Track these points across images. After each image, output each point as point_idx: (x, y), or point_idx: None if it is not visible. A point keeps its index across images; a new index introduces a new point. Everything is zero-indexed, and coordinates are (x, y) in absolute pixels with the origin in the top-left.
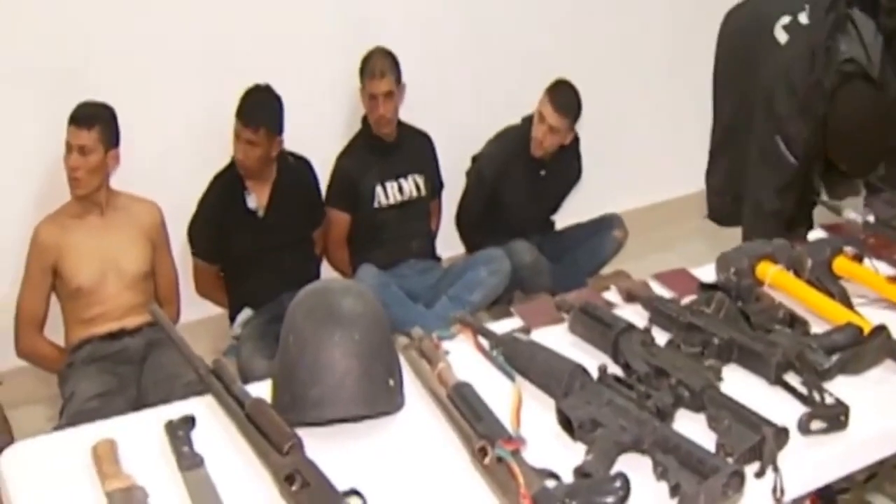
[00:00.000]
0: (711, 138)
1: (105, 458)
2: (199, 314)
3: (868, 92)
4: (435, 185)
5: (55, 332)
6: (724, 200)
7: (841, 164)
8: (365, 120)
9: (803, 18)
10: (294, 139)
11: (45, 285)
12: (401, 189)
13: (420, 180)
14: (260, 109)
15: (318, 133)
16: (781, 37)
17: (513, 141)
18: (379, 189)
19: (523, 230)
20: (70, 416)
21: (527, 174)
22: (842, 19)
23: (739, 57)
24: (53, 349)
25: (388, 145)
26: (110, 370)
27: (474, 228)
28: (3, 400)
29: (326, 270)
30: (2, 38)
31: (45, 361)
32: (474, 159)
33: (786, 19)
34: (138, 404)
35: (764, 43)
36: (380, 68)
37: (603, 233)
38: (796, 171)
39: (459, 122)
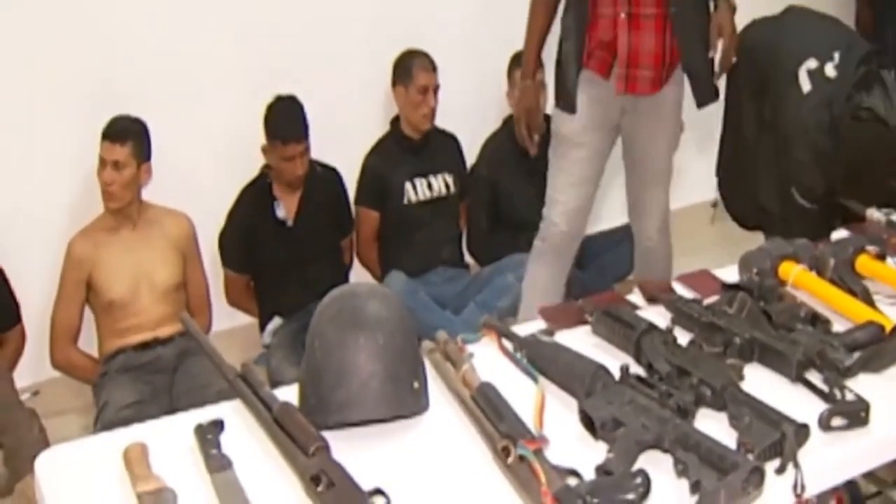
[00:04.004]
0: (723, 149)
1: (136, 461)
2: (229, 324)
3: (878, 129)
4: (464, 185)
5: (89, 343)
6: (743, 205)
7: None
8: (394, 122)
9: (830, 70)
10: (324, 147)
11: (79, 298)
12: (430, 186)
13: (449, 179)
14: (300, 120)
15: (347, 141)
16: (805, 85)
17: (499, 136)
18: (408, 185)
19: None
20: (104, 424)
21: (519, 161)
22: (872, 76)
23: (757, 82)
24: (87, 360)
25: (417, 144)
26: (143, 379)
27: (487, 244)
28: (40, 410)
29: (355, 278)
30: (37, 55)
31: (80, 372)
32: (471, 172)
33: (812, 63)
34: (170, 412)
35: (786, 82)
36: (429, 62)
37: (630, 240)
38: (814, 210)
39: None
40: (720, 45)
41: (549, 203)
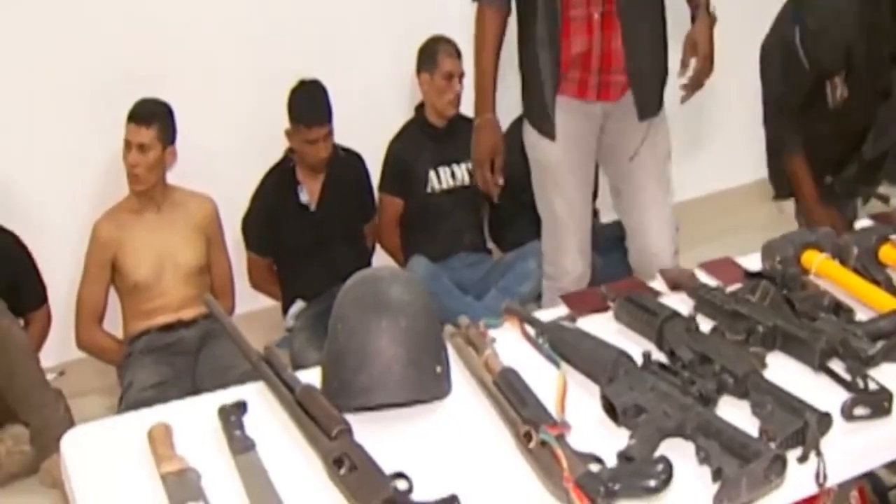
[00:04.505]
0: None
1: (160, 441)
2: (252, 307)
3: None
4: None
5: (114, 324)
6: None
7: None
8: (419, 108)
9: None
10: (347, 133)
11: (104, 280)
12: (453, 175)
13: (472, 167)
14: (323, 104)
15: (371, 126)
16: None
17: (521, 123)
18: (432, 173)
19: None
20: (128, 405)
21: None
22: None
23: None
24: (112, 341)
25: (441, 132)
26: (166, 361)
27: (509, 230)
28: (65, 390)
29: (378, 263)
30: (60, 38)
31: (104, 353)
32: None
33: None
34: (193, 394)
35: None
36: (454, 48)
37: None
38: (806, 75)
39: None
40: (693, 63)
41: (559, 240)
